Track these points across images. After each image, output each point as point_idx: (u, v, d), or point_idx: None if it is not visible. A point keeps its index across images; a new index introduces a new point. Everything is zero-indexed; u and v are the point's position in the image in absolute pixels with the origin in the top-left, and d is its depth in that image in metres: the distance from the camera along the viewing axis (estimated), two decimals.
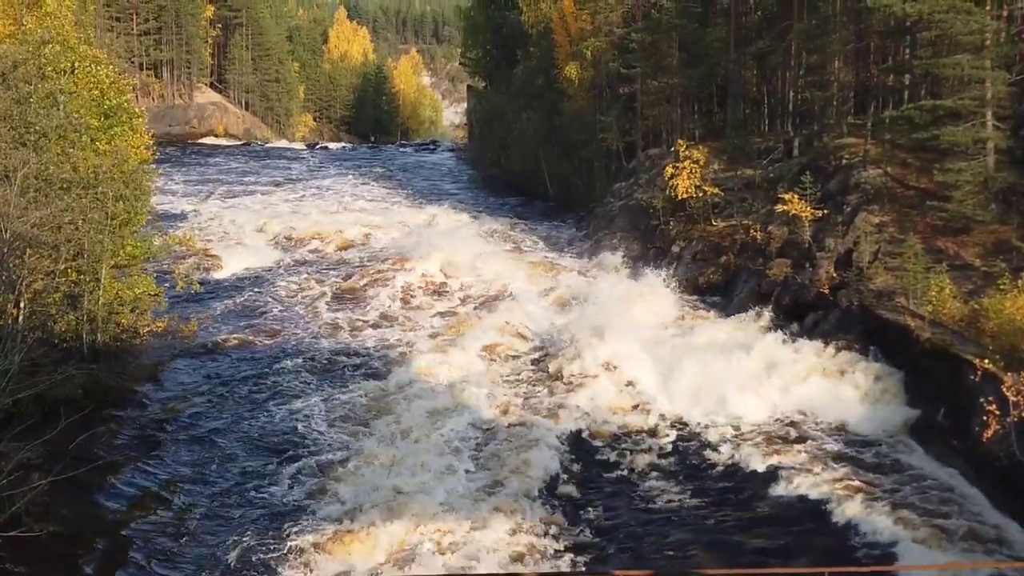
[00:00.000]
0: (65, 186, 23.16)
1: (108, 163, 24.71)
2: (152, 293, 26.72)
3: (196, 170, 73.06)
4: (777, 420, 23.79)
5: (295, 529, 18.45)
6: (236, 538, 18.18)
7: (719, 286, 33.17)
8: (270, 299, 35.77)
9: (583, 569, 17.47)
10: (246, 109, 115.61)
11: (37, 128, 23.27)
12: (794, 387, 24.69)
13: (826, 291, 27.72)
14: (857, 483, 20.03)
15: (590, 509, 19.89)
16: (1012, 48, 28.94)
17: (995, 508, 18.72)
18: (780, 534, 18.60)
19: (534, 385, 26.78)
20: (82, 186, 23.63)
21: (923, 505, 19.03)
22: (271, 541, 18.06)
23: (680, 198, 36.89)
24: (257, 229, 47.93)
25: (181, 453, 22.15)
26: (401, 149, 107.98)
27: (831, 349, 25.49)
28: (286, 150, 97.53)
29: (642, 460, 22.29)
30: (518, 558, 17.75)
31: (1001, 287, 22.35)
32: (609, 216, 43.81)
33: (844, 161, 32.16)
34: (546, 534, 18.60)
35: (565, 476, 21.31)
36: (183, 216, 49.89)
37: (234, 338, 30.73)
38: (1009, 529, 18.05)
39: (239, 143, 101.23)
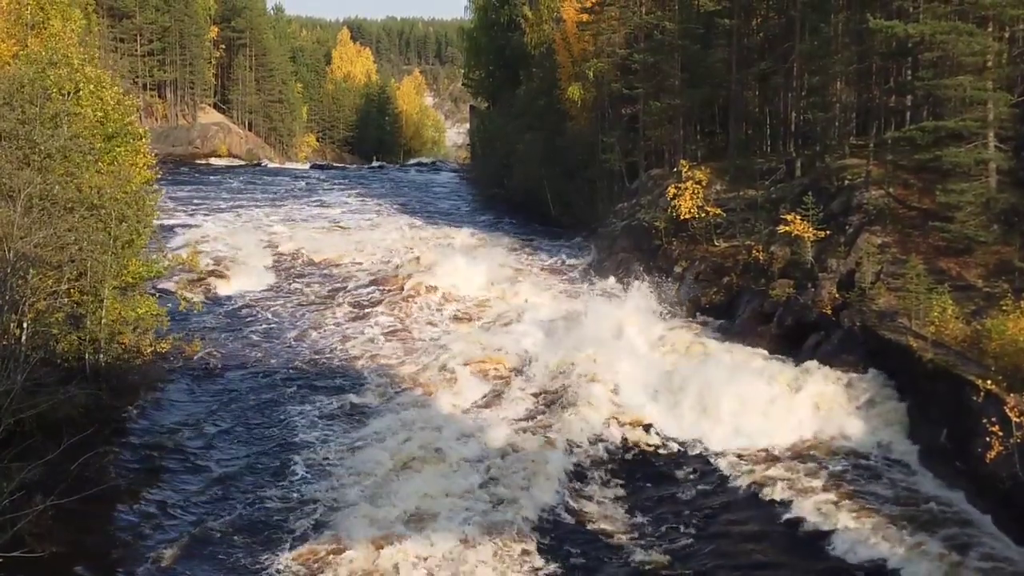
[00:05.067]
0: (69, 206, 23.23)
1: (111, 184, 24.76)
2: (155, 313, 26.70)
3: (200, 191, 73.14)
4: (778, 442, 23.69)
5: (293, 549, 18.41)
6: (235, 559, 18.16)
7: (721, 306, 33.15)
8: (273, 318, 35.81)
9: None
10: (249, 129, 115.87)
11: (42, 148, 23.37)
12: (794, 408, 24.61)
13: (828, 312, 27.69)
14: (860, 506, 19.91)
15: (583, 528, 19.86)
16: (1014, 69, 29.06)
17: (999, 529, 18.66)
18: (782, 560, 18.54)
19: (531, 404, 26.67)
20: (85, 207, 23.69)
21: (926, 528, 18.94)
22: (269, 564, 18.03)
23: (682, 218, 36.97)
24: (260, 248, 47.93)
25: (181, 474, 22.08)
26: (404, 170, 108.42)
27: (833, 370, 25.44)
28: (293, 170, 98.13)
29: (636, 481, 22.28)
30: None
31: (1003, 308, 22.40)
32: (611, 236, 43.83)
33: (846, 182, 32.20)
34: (540, 558, 18.55)
35: (561, 494, 21.23)
36: (187, 235, 49.85)
37: (236, 357, 30.75)
38: (1012, 550, 17.98)
39: (243, 163, 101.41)
